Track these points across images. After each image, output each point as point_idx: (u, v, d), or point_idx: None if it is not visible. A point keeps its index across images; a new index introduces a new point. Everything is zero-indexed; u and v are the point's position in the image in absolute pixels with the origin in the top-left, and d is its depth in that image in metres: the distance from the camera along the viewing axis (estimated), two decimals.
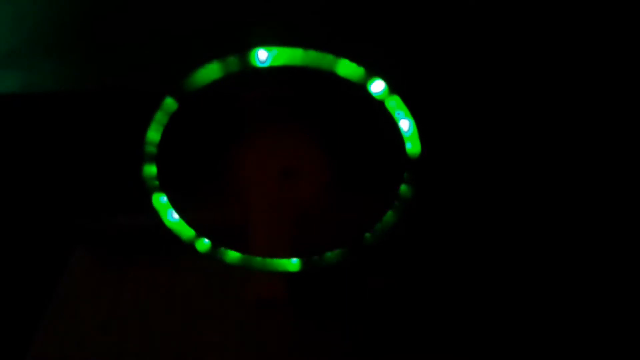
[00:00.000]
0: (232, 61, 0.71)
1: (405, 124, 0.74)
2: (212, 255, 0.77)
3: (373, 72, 0.72)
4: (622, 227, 0.86)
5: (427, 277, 0.84)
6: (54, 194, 0.89)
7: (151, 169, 0.74)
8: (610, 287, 0.82)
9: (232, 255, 0.77)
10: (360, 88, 0.73)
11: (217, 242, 0.77)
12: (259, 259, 0.77)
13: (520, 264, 0.84)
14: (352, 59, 0.72)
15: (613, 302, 0.80)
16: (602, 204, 0.86)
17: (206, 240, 0.77)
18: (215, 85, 0.72)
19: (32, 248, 0.88)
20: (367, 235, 0.77)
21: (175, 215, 0.76)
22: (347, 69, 0.72)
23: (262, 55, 0.71)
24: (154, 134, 0.73)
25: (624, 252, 0.84)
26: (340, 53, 0.71)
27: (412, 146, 0.74)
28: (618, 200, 0.86)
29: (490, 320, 0.79)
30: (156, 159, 0.74)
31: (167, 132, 0.73)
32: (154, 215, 0.75)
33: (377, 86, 0.73)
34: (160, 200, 0.76)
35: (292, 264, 0.78)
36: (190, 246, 0.77)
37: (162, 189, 0.75)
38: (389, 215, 0.76)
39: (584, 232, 0.86)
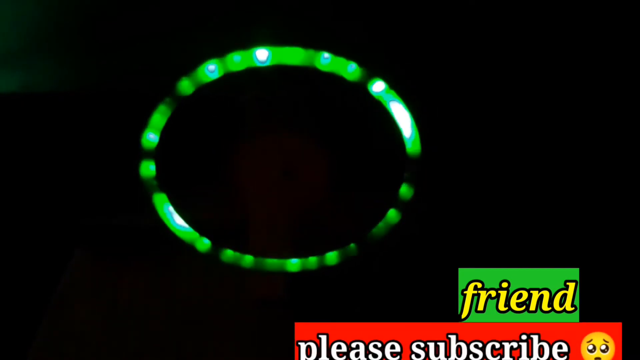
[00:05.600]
0: (232, 60, 0.71)
1: (405, 123, 0.74)
2: (211, 256, 0.77)
3: (373, 71, 0.72)
4: (622, 227, 0.86)
5: (427, 277, 0.84)
6: (53, 194, 0.89)
7: (150, 169, 0.74)
8: (610, 287, 0.82)
9: (232, 255, 0.77)
10: (361, 88, 0.72)
11: (217, 242, 0.77)
12: (259, 259, 0.77)
13: (521, 264, 0.84)
14: (352, 59, 0.71)
15: (613, 302, 0.80)
16: (603, 204, 0.86)
17: (206, 240, 0.77)
18: (214, 84, 0.72)
19: (32, 248, 0.88)
20: (368, 235, 0.77)
21: (175, 216, 0.76)
22: (347, 68, 0.72)
23: (261, 55, 0.71)
24: (152, 134, 0.73)
25: (624, 253, 0.84)
26: (341, 52, 0.71)
27: (413, 146, 0.74)
28: (619, 201, 0.86)
29: None
30: (155, 159, 0.74)
31: (166, 131, 0.73)
32: (154, 216, 0.75)
33: (378, 86, 0.73)
34: (160, 201, 0.75)
35: (292, 264, 0.77)
36: (190, 246, 0.76)
37: (162, 189, 0.75)
38: (390, 215, 0.76)
39: (584, 234, 0.86)
